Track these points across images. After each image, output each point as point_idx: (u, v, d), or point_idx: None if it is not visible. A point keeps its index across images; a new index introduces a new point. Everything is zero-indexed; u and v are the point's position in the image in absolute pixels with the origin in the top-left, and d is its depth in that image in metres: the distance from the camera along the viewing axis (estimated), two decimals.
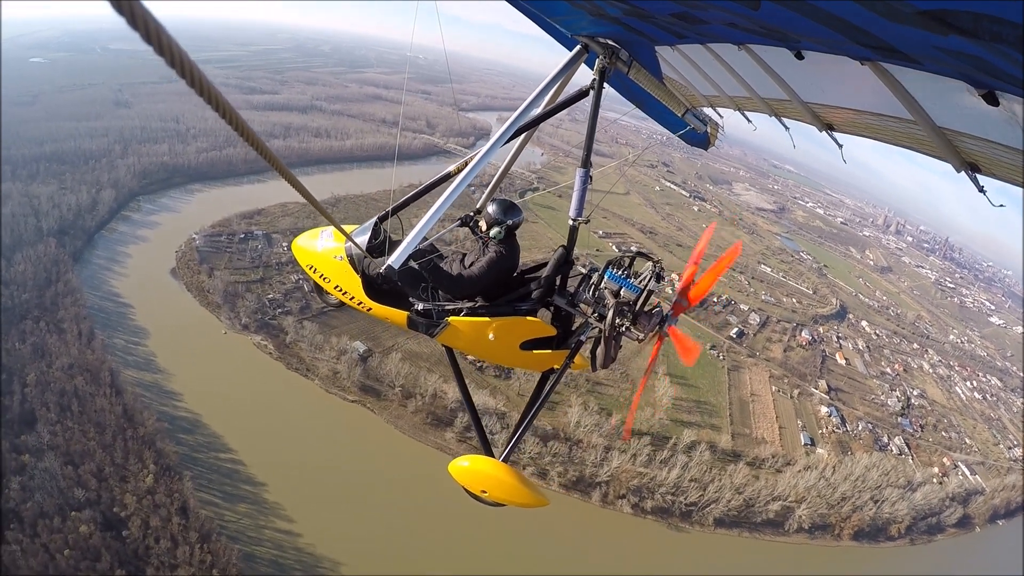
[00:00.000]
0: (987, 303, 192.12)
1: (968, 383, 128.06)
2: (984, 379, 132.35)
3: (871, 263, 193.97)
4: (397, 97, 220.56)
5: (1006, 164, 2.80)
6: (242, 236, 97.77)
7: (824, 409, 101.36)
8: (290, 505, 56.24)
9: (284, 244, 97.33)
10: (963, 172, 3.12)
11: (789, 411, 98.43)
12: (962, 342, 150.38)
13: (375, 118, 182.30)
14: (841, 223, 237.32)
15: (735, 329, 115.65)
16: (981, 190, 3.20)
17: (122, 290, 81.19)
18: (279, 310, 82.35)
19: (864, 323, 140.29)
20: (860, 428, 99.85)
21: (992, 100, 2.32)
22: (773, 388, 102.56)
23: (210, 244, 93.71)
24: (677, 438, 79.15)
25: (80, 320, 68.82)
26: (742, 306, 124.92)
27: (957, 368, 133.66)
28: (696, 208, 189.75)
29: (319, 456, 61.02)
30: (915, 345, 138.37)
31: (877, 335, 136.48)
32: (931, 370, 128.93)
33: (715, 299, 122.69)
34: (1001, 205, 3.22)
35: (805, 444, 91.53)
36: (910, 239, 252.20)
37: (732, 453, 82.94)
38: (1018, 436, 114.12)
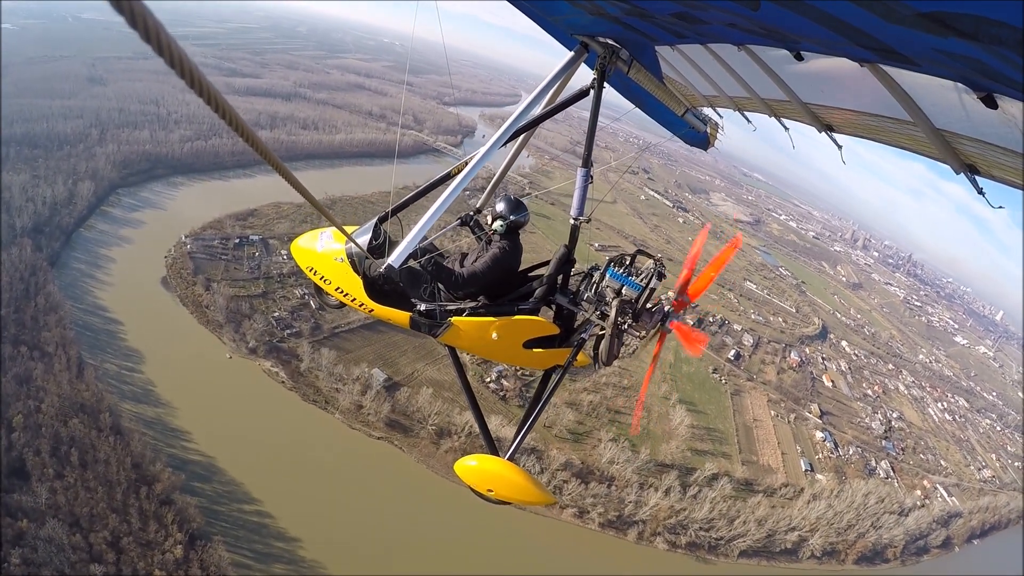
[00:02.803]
0: (951, 322, 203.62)
1: (939, 404, 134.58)
2: (953, 400, 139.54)
3: (843, 279, 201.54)
4: (379, 87, 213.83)
5: (1004, 166, 2.79)
6: (237, 241, 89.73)
7: (819, 434, 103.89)
8: (330, 562, 51.25)
9: (283, 252, 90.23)
10: (962, 174, 3.09)
11: (788, 437, 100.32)
12: (930, 362, 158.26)
13: (362, 110, 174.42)
14: (813, 237, 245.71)
15: (732, 351, 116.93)
16: (980, 192, 3.14)
17: (108, 302, 72.32)
18: (287, 331, 75.88)
19: (844, 343, 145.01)
20: (851, 453, 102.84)
21: (991, 103, 2.33)
22: (772, 413, 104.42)
23: (203, 250, 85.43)
24: (699, 469, 79.73)
25: (67, 344, 60.05)
26: (735, 326, 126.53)
27: (928, 389, 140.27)
28: (681, 220, 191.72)
29: (352, 501, 56.04)
30: (890, 366, 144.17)
31: (856, 355, 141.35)
32: (906, 391, 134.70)
33: (710, 319, 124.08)
34: (1000, 207, 3.17)
35: (806, 470, 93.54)
36: (876, 254, 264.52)
37: (745, 483, 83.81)
38: (985, 457, 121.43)
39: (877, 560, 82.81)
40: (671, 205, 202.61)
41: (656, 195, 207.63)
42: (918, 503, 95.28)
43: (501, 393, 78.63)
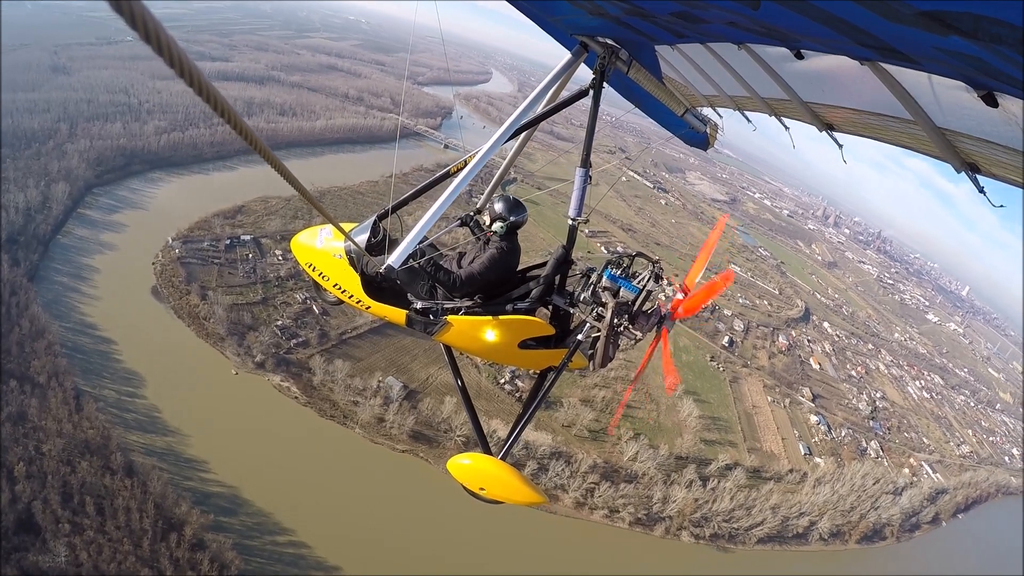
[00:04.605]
0: (922, 299, 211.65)
1: (917, 382, 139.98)
2: (929, 378, 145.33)
3: (819, 258, 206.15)
4: (352, 68, 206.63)
5: (1005, 164, 2.81)
6: (228, 242, 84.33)
7: (813, 418, 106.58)
8: None
9: (278, 252, 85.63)
10: (963, 172, 3.10)
11: (785, 422, 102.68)
12: (905, 340, 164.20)
13: (337, 93, 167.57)
14: (788, 215, 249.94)
15: (726, 338, 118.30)
16: (981, 190, 3.14)
17: (97, 319, 66.70)
18: (294, 341, 72.06)
19: (826, 324, 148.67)
20: (843, 435, 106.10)
21: (991, 101, 2.36)
22: (768, 399, 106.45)
23: (193, 254, 79.88)
24: (713, 461, 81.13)
25: (60, 374, 54.56)
26: (726, 311, 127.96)
27: (906, 367, 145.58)
28: (663, 202, 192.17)
29: (385, 519, 54.05)
30: (870, 346, 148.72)
31: (838, 336, 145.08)
32: (886, 370, 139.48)
33: (702, 306, 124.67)
34: (1001, 205, 3.13)
35: (805, 455, 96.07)
36: (847, 231, 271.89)
37: (754, 471, 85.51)
38: (963, 433, 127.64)
39: (876, 539, 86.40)
40: (651, 186, 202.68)
41: (636, 176, 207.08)
42: (908, 482, 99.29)
43: (517, 395, 77.17)
